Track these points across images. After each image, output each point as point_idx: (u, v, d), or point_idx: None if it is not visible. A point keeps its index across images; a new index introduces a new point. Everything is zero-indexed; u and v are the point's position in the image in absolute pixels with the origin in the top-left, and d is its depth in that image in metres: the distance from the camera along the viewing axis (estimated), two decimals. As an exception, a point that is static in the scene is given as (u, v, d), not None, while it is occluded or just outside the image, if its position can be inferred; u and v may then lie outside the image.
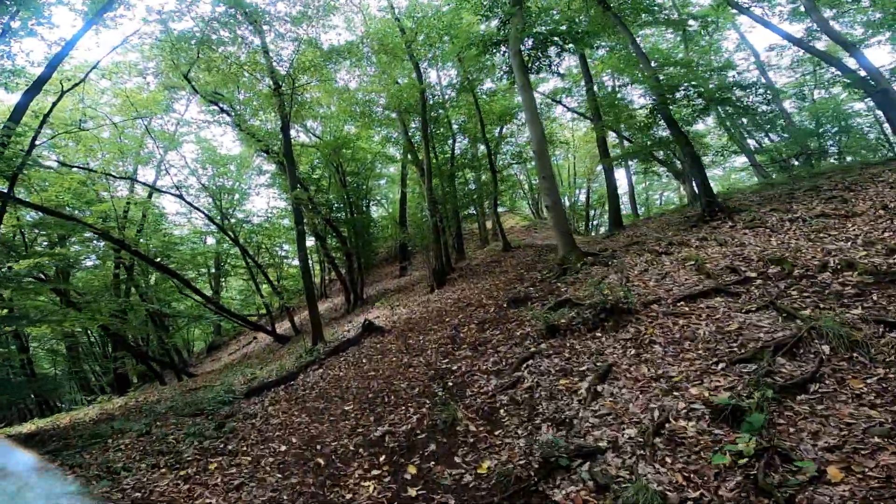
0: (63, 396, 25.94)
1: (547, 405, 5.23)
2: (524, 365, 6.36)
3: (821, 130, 18.24)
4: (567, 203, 30.15)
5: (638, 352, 5.79)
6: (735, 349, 5.26)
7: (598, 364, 5.75)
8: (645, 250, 10.57)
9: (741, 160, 24.83)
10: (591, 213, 29.04)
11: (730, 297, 6.75)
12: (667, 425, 4.40)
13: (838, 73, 15.24)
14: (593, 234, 25.87)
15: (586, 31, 13.07)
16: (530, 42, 13.20)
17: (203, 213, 19.59)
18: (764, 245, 8.57)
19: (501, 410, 5.44)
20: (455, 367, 7.15)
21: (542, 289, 9.93)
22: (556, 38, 13.05)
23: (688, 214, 13.85)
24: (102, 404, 16.05)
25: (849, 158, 18.36)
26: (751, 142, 21.33)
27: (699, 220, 11.77)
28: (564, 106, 20.26)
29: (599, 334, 6.61)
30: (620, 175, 34.57)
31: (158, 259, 21.79)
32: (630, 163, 22.89)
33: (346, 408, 6.88)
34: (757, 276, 7.22)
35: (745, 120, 19.60)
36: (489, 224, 26.11)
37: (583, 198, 29.16)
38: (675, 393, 4.79)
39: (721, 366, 5.03)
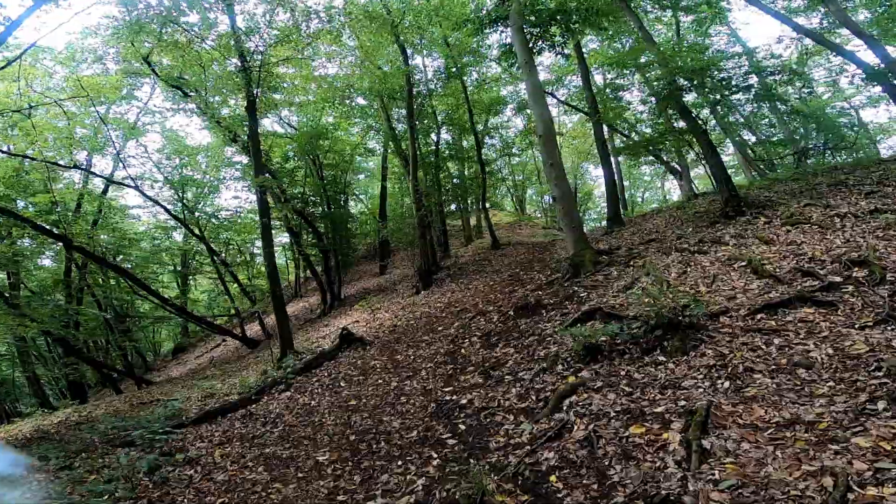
0: (23, 401, 23.05)
1: (623, 470, 3.39)
2: (566, 402, 4.51)
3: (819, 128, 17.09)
4: (552, 201, 28.60)
5: (735, 384, 4.01)
6: (886, 380, 3.55)
7: (680, 403, 3.94)
8: (670, 248, 8.89)
9: (724, 158, 23.76)
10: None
11: (821, 308, 5.07)
12: (850, 497, 2.62)
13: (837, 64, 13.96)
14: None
15: (597, 9, 11.31)
16: (532, 20, 11.44)
17: (162, 206, 17.18)
18: (826, 245, 6.95)
19: (552, 477, 3.57)
20: (464, 401, 5.25)
21: (555, 294, 8.13)
22: (559, 18, 11.31)
23: (698, 210, 12.29)
24: (38, 419, 13.60)
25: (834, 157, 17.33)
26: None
27: (721, 215, 10.18)
28: (556, 98, 18.60)
29: (662, 358, 4.82)
30: (600, 173, 33.44)
31: (114, 256, 19.24)
32: (619, 159, 21.40)
33: (320, 458, 4.90)
34: (843, 280, 5.57)
35: (738, 116, 18.35)
36: (473, 220, 24.31)
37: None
38: (832, 446, 3.03)
39: (881, 404, 3.30)
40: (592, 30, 11.78)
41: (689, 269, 7.38)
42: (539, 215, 29.28)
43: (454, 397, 5.43)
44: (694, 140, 13.69)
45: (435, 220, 16.88)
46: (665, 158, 17.19)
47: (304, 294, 26.63)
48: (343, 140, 22.31)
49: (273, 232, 26.27)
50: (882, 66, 11.75)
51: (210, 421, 7.68)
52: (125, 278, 15.58)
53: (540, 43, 11.78)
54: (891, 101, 13.92)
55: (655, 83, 12.26)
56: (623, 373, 4.77)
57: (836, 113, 18.76)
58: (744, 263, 6.97)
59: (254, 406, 7.70)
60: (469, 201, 20.46)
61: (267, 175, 13.18)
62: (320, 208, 20.80)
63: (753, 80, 11.43)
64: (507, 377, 5.54)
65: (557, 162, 9.54)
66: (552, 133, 9.84)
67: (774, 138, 18.56)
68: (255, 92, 12.07)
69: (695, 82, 11.14)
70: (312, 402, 6.51)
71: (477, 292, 11.32)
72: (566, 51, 12.30)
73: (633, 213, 22.72)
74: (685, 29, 17.81)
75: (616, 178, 22.88)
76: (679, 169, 17.59)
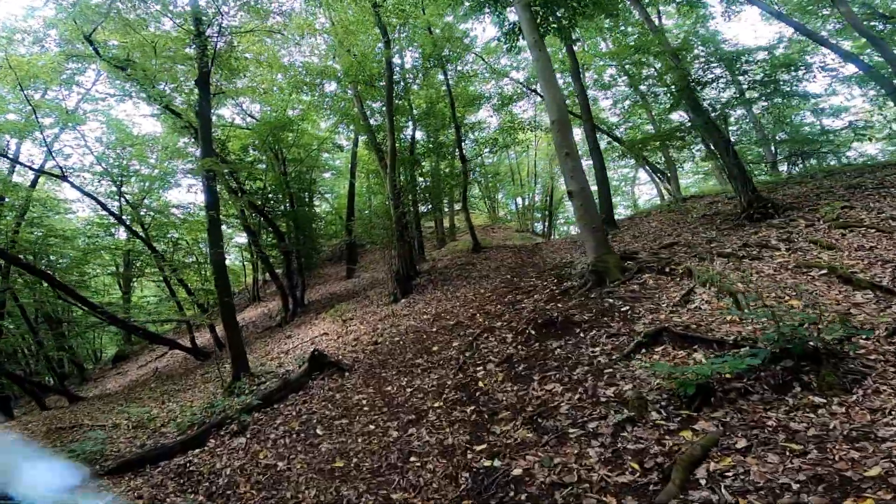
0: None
1: None
2: (700, 472, 2.74)
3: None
4: (522, 203, 27.18)
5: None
6: None
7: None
8: (705, 253, 7.38)
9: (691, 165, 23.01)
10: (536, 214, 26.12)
11: None
12: None
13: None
14: (556, 236, 23.01)
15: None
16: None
17: (95, 199, 14.39)
18: (916, 249, 5.58)
19: None
20: (517, 470, 3.38)
21: (583, 307, 6.39)
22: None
23: (705, 213, 10.99)
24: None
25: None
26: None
27: (745, 217, 8.83)
28: (540, 95, 17.06)
29: (816, 398, 3.15)
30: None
31: (36, 256, 16.12)
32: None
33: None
34: None
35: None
36: (446, 221, 22.50)
37: (538, 198, 26.22)
38: None
39: None
40: (601, 13, 10.23)
41: (755, 278, 5.84)
42: (510, 218, 27.82)
43: (496, 463, 3.54)
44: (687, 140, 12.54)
45: (410, 221, 14.95)
46: (652, 160, 15.97)
47: (264, 298, 23.93)
48: (310, 134, 20.00)
49: (230, 231, 23.67)
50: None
51: (134, 472, 5.49)
52: (45, 281, 12.73)
53: (544, 26, 10.15)
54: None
55: (667, 76, 10.87)
56: (769, 421, 3.06)
57: (800, 122, 18.26)
58: (823, 271, 5.48)
59: (195, 454, 5.53)
60: (444, 201, 18.61)
61: (218, 160, 10.85)
62: (283, 206, 18.41)
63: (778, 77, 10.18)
64: (570, 430, 3.70)
65: (574, 151, 7.85)
66: (567, 118, 8.15)
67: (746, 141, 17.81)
68: (208, 63, 9.84)
69: (711, 76, 9.85)
70: (279, 464, 4.42)
71: (469, 302, 9.47)
72: (573, 35, 10.69)
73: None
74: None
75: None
76: (658, 170, 16.47)
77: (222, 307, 7.89)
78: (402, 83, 15.12)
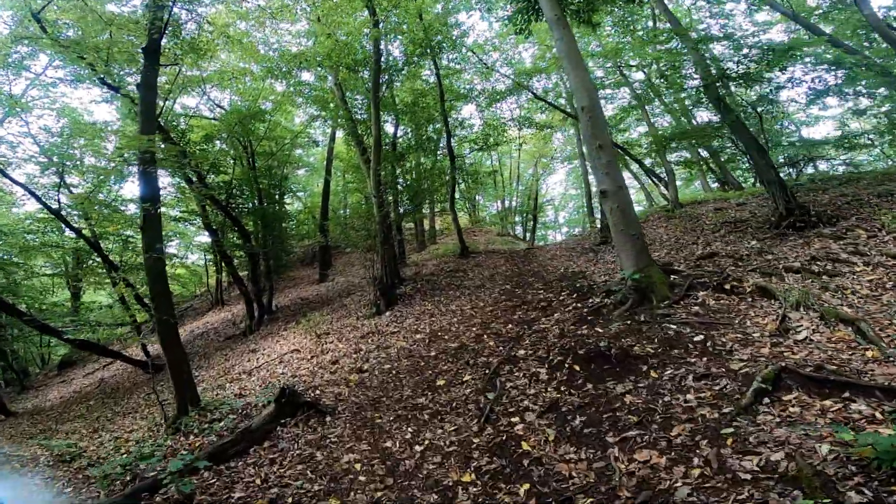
0: None
1: None
2: None
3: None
4: (501, 206, 25.74)
5: None
6: None
7: None
8: (771, 268, 6.02)
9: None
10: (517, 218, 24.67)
11: None
12: None
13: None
14: (541, 242, 21.69)
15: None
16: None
17: (30, 191, 12.06)
18: None
19: None
20: None
21: (639, 334, 4.87)
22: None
23: (725, 219, 9.79)
24: None
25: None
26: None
27: (787, 226, 7.59)
28: (533, 93, 15.69)
29: None
30: (556, 179, 30.84)
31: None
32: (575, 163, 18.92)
33: None
34: None
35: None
36: (427, 223, 20.86)
37: (517, 202, 24.84)
38: None
39: None
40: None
41: (850, 299, 4.49)
42: (488, 221, 26.37)
43: None
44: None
45: (394, 221, 13.26)
46: (648, 164, 14.83)
47: (229, 301, 21.60)
48: (283, 127, 17.99)
49: (193, 229, 21.21)
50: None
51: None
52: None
53: (563, 5, 8.72)
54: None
55: (694, 68, 9.60)
56: None
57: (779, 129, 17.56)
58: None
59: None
60: (427, 201, 16.96)
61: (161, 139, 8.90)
62: (250, 203, 16.34)
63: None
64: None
65: (608, 144, 6.37)
66: (599, 105, 6.68)
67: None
68: (161, 27, 7.91)
69: (741, 69, 8.63)
70: None
71: (468, 318, 7.88)
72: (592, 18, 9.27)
73: (586, 222, 20.44)
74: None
75: (585, 184, 20.53)
76: (654, 175, 15.37)
77: (160, 326, 5.98)
78: (386, 76, 13.45)
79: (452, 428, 4.23)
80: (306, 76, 14.85)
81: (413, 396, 5.20)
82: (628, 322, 5.28)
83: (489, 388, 4.83)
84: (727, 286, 5.57)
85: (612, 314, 5.78)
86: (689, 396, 3.51)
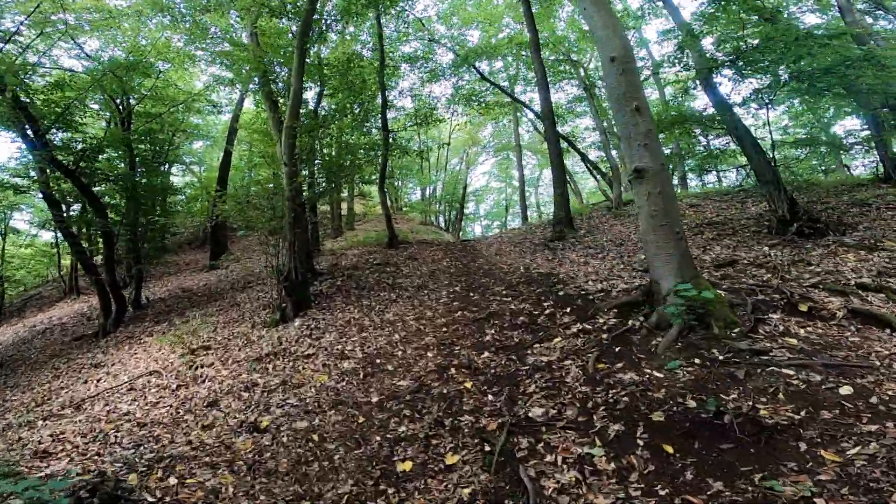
0: None
1: None
2: None
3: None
4: (422, 194, 23.35)
5: None
6: None
7: None
8: (840, 284, 4.41)
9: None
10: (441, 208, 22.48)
11: None
12: None
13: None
14: (468, 234, 19.69)
15: None
16: None
17: None
18: None
19: None
20: None
21: (733, 381, 2.89)
22: None
23: (709, 222, 8.43)
24: None
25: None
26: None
27: (795, 233, 6.22)
28: (480, 73, 13.44)
29: None
30: (480, 171, 28.88)
31: None
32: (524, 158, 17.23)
33: None
34: None
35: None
36: (345, 206, 17.87)
37: (440, 189, 22.57)
38: None
39: None
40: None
41: None
42: (406, 209, 23.86)
43: None
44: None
45: (311, 198, 10.27)
46: (592, 158, 13.46)
47: (87, 290, 16.58)
48: (179, 89, 13.84)
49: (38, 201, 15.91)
50: None
51: None
52: None
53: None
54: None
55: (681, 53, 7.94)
56: None
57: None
58: None
59: None
60: (351, 180, 14.00)
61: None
62: (122, 168, 12.13)
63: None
64: None
65: (646, 106, 4.32)
66: (633, 56, 4.61)
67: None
68: None
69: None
70: None
71: (414, 334, 5.45)
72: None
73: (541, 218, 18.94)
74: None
75: (519, 177, 18.94)
76: (599, 170, 14.09)
77: None
78: (317, 29, 10.32)
79: None
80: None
81: (358, 499, 2.69)
82: (694, 360, 3.27)
83: (507, 485, 2.50)
84: (803, 308, 3.82)
85: (653, 343, 3.75)
86: None
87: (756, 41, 7.00)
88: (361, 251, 11.48)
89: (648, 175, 4.08)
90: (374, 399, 4.01)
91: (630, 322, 4.19)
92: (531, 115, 16.14)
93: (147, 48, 11.33)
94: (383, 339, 5.45)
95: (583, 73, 13.53)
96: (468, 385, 3.91)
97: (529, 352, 4.29)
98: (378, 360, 4.83)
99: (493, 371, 4.09)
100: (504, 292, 6.48)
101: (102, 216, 10.22)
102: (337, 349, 5.31)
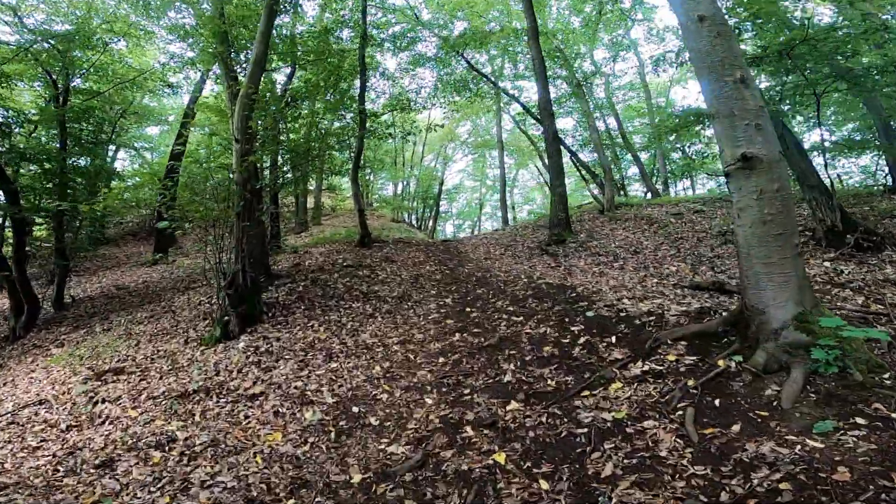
0: None
1: None
2: None
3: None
4: (394, 189, 21.73)
5: None
6: None
7: None
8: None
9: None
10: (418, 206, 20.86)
11: None
12: None
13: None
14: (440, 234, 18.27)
15: None
16: None
17: None
18: None
19: None
20: None
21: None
22: None
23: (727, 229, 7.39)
24: None
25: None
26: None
27: (852, 246, 5.21)
28: (468, 62, 12.09)
29: None
30: (455, 168, 27.42)
31: None
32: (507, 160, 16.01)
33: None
34: None
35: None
36: (311, 199, 16.07)
37: (413, 186, 20.95)
38: None
39: None
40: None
41: None
42: (374, 205, 22.12)
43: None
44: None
45: (267, 186, 8.55)
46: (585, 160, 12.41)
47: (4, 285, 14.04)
48: (130, 67, 11.70)
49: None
50: None
51: None
52: None
53: None
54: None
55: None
56: None
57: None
58: None
59: None
60: (318, 168, 12.20)
61: None
62: (51, 147, 9.96)
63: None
64: None
65: (751, 77, 3.03)
66: (725, 18, 3.38)
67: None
68: None
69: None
70: None
71: (401, 366, 4.01)
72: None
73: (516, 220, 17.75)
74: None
75: (501, 179, 17.83)
76: (591, 172, 13.07)
77: None
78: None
79: None
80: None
81: None
82: (855, 420, 2.03)
83: None
84: None
85: (766, 394, 2.49)
86: None
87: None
88: (329, 249, 9.85)
89: (762, 166, 2.81)
90: (356, 478, 2.54)
91: (721, 362, 2.91)
92: (514, 112, 14.96)
93: (96, 24, 9.44)
94: (360, 372, 3.96)
95: (574, 69, 12.47)
96: (500, 459, 2.50)
97: (578, 403, 2.93)
98: (355, 409, 3.34)
99: (531, 434, 2.70)
100: (511, 308, 5.12)
101: (13, 200, 8.15)
102: (296, 388, 3.76)
